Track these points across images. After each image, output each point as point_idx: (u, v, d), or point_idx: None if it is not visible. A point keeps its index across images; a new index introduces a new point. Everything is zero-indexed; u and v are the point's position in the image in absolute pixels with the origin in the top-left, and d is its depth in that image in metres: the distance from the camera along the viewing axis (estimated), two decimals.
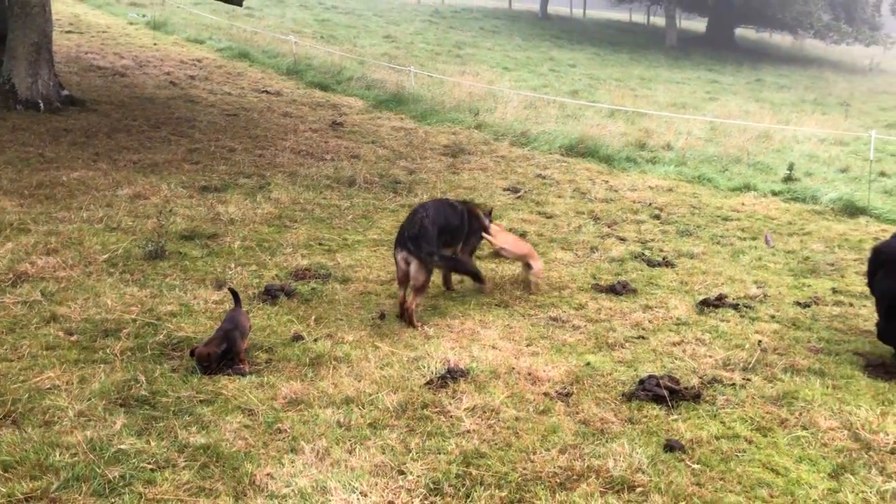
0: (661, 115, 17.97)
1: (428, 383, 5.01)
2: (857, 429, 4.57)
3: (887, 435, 4.51)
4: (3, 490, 3.70)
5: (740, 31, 48.56)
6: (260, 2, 33.60)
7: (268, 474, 3.96)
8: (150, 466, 3.99)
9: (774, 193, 11.77)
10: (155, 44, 21.34)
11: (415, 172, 11.65)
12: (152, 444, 4.20)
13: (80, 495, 3.72)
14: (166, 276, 6.79)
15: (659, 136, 15.71)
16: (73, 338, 5.47)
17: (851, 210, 10.73)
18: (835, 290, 7.54)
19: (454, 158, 12.90)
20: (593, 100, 20.60)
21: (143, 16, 25.04)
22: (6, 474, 3.83)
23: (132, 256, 7.10)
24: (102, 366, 5.05)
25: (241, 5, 14.48)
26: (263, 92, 17.08)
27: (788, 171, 12.73)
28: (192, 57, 20.06)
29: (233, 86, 17.34)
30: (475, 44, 31.49)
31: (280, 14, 31.50)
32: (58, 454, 4.02)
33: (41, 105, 12.25)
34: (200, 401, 4.71)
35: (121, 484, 3.84)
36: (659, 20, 48.59)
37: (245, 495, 3.81)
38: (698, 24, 51.92)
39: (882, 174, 13.67)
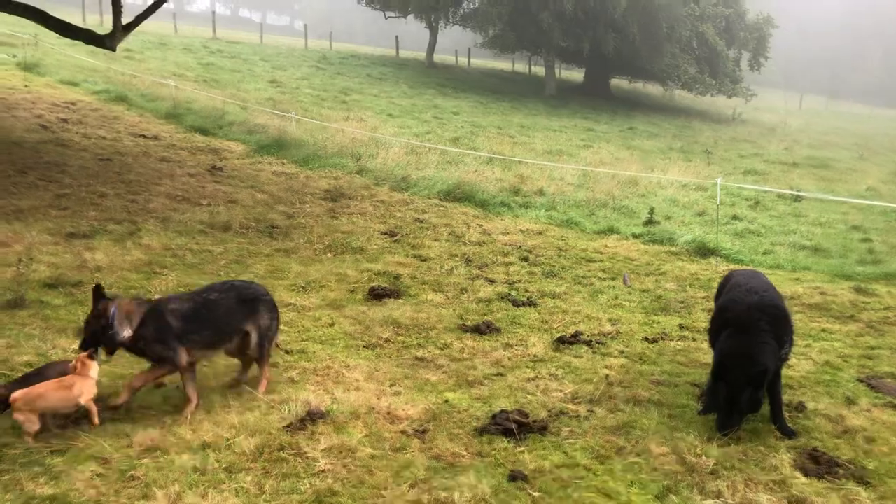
0: (536, 162, 18.77)
1: (287, 426, 5.13)
2: (684, 453, 4.99)
3: (709, 458, 4.95)
4: None
5: (616, 82, 51.24)
6: (141, 44, 32.99)
7: None
8: None
9: (635, 236, 12.51)
10: (26, 85, 20.61)
11: (293, 217, 11.75)
12: None
13: None
14: (25, 325, 6.64)
15: (533, 182, 16.42)
16: None
17: (704, 251, 11.56)
18: (681, 326, 8.13)
19: (334, 203, 13.08)
20: (473, 147, 21.27)
21: (14, 56, 24.13)
22: None
23: None
24: None
25: (114, 50, 14.28)
26: (140, 136, 16.80)
27: (649, 215, 13.57)
28: (66, 100, 19.50)
29: (108, 129, 16.96)
30: (361, 90, 31.93)
31: (162, 57, 31.01)
32: None
33: None
34: (52, 451, 4.65)
35: None
36: (540, 70, 50.66)
37: None
38: (577, 74, 54.44)
39: (734, 217, 14.76)
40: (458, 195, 14.53)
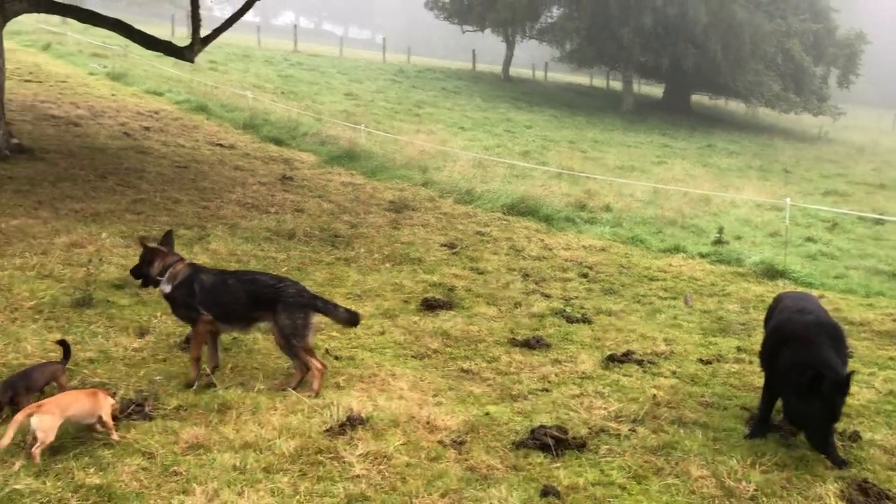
0: (605, 178, 18.60)
1: (327, 430, 5.23)
2: (724, 478, 4.87)
3: (750, 483, 4.82)
4: None
5: (697, 98, 50.30)
6: (225, 56, 34.18)
7: None
8: None
9: (702, 255, 12.25)
10: (113, 94, 21.63)
11: (356, 227, 11.96)
12: (48, 484, 4.35)
13: None
14: (91, 323, 6.96)
15: (600, 198, 16.27)
16: None
17: (771, 273, 11.23)
18: (739, 349, 7.92)
19: (398, 214, 13.25)
20: (543, 161, 21.23)
21: (104, 66, 25.38)
22: None
23: (59, 304, 7.26)
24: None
25: (192, 61, 14.87)
26: (217, 145, 17.40)
27: (718, 235, 13.27)
28: (150, 108, 20.37)
29: (187, 138, 17.63)
30: (435, 103, 32.27)
31: (244, 69, 32.06)
32: None
33: None
34: (103, 444, 4.87)
35: None
36: (618, 84, 50.16)
37: None
38: (657, 90, 53.67)
39: (809, 239, 14.29)
40: (521, 209, 14.51)
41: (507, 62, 48.46)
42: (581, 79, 56.17)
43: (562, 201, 15.41)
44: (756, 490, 4.75)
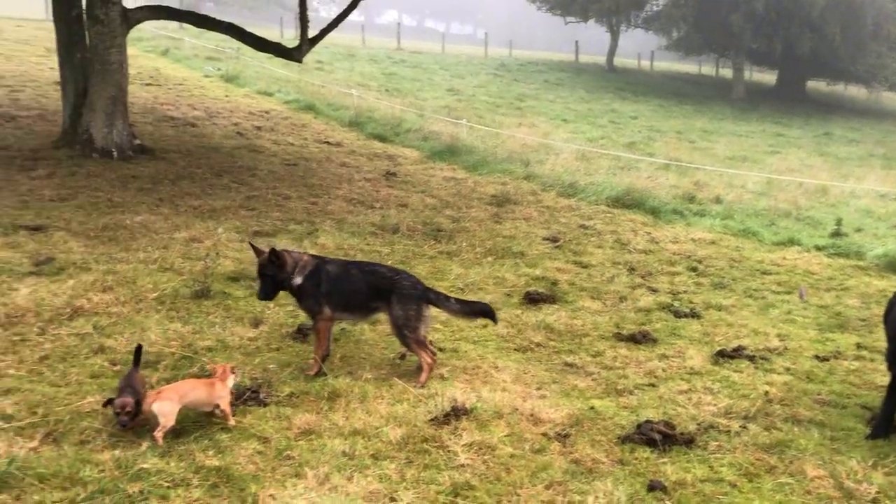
0: (716, 168, 18.02)
1: (432, 420, 5.32)
2: (843, 478, 4.66)
3: (871, 485, 4.59)
4: (36, 498, 4.16)
5: (813, 84, 47.95)
6: (331, 56, 35.06)
7: (270, 495, 4.33)
8: (166, 484, 4.40)
9: (819, 248, 11.71)
10: (227, 96, 22.58)
11: (458, 221, 12.06)
12: (171, 464, 4.62)
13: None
14: (209, 314, 7.31)
15: (710, 190, 15.79)
16: (116, 367, 5.99)
17: None
18: (859, 346, 7.54)
19: (499, 208, 13.27)
20: (650, 152, 20.78)
21: (218, 69, 26.52)
22: (41, 485, 4.30)
23: (180, 295, 7.66)
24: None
25: (300, 62, 15.35)
26: (325, 143, 17.89)
27: (836, 227, 12.64)
28: (261, 108, 21.15)
29: (296, 137, 18.21)
30: (537, 96, 32.08)
31: (349, 68, 32.80)
32: (88, 469, 4.47)
33: (114, 153, 13.21)
34: (221, 428, 5.12)
35: (139, 499, 4.26)
36: (728, 72, 48.41)
37: None
38: (769, 77, 51.49)
39: None
40: (627, 202, 14.25)
41: (612, 52, 47.61)
42: (689, 67, 54.54)
43: (669, 193, 15.05)
44: (878, 493, 4.52)
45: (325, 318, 6.25)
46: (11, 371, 5.74)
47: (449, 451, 4.91)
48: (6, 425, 4.94)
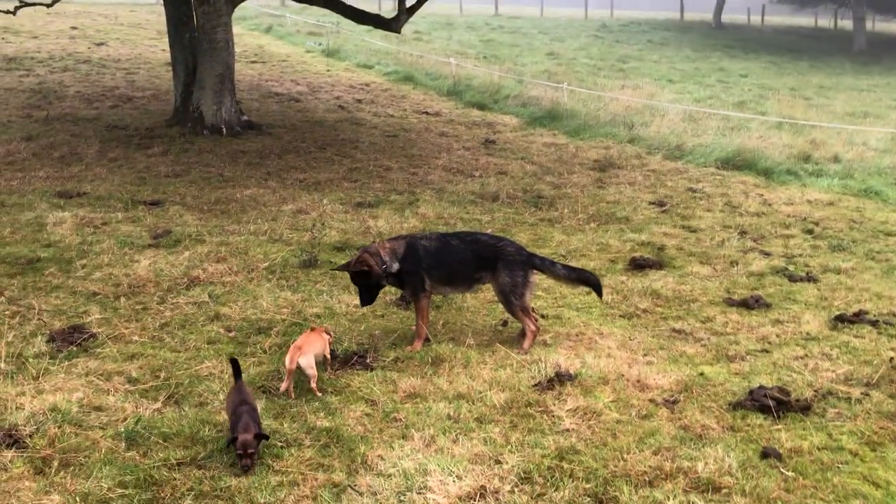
0: (833, 126, 17.03)
1: (536, 385, 5.31)
2: None
3: None
4: (161, 455, 4.41)
5: None
6: (429, 25, 35.07)
7: (379, 456, 4.44)
8: (280, 444, 4.58)
9: None
10: (328, 70, 22.99)
11: (560, 187, 11.90)
12: (285, 425, 4.80)
13: (220, 464, 4.36)
14: (317, 282, 7.53)
15: (827, 148, 14.93)
16: (231, 334, 6.26)
17: None
18: None
19: (602, 173, 13.00)
20: (761, 111, 19.83)
21: (320, 44, 27.00)
22: (165, 443, 4.56)
23: (289, 265, 7.91)
24: (253, 359, 5.78)
25: (398, 32, 15.42)
26: (423, 113, 17.97)
27: None
28: (361, 81, 21.43)
29: (396, 108, 18.37)
30: (640, 57, 31.13)
31: (447, 37, 32.73)
32: (207, 430, 4.71)
33: (224, 130, 13.71)
34: (330, 391, 5.28)
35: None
36: (848, 24, 45.48)
37: (357, 472, 4.29)
38: (893, 26, 48.07)
39: None
40: (737, 163, 13.69)
41: (719, 8, 45.57)
42: (804, 20, 51.54)
43: (783, 153, 14.32)
44: None
45: (427, 296, 6.15)
46: (135, 337, 6.10)
47: (553, 416, 4.89)
48: (132, 388, 5.25)
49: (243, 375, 4.97)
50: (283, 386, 5.21)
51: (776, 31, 45.83)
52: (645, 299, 7.33)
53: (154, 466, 4.28)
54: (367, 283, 6.06)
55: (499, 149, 14.69)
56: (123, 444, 4.49)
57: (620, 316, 6.93)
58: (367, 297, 6.14)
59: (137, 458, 4.38)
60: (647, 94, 20.60)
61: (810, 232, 9.84)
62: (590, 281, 6.44)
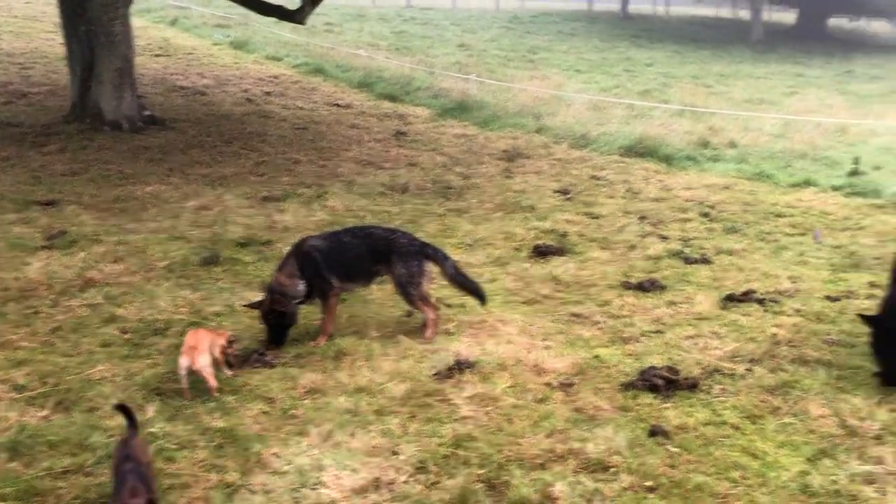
0: (731, 112, 17.69)
1: (436, 374, 5.36)
2: (846, 416, 4.64)
3: (875, 422, 4.57)
4: (46, 464, 4.27)
5: (834, 22, 46.63)
6: (340, 17, 34.69)
7: (274, 454, 4.41)
8: (173, 446, 4.49)
9: (835, 188, 11.50)
10: (236, 63, 22.48)
11: (468, 178, 12.00)
12: (178, 427, 4.71)
13: (109, 471, 4.24)
14: (218, 279, 7.39)
15: (724, 134, 15.50)
16: (127, 336, 6.10)
17: None
18: (872, 284, 7.42)
19: (510, 163, 13.17)
20: (664, 99, 20.40)
21: (227, 36, 26.36)
22: (51, 451, 4.41)
23: (189, 263, 7.73)
24: (147, 361, 5.64)
25: (303, 24, 15.21)
26: (334, 105, 17.80)
27: (854, 165, 12.39)
28: (270, 74, 21.04)
29: (306, 100, 18.12)
30: (550, 48, 31.57)
31: (359, 28, 32.43)
32: (96, 436, 4.58)
33: (124, 125, 13.26)
34: (228, 390, 5.20)
35: None
36: (746, 14, 47.19)
37: (251, 472, 4.26)
38: (789, 17, 50.17)
39: None
40: (640, 150, 14.07)
41: None
42: (706, 10, 53.23)
43: (683, 140, 14.80)
44: (882, 429, 4.50)
45: (335, 294, 6.14)
46: (24, 343, 5.87)
47: (451, 404, 4.96)
48: (19, 396, 5.06)
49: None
50: (183, 385, 5.07)
51: (680, 20, 47.21)
52: (546, 285, 7.49)
53: (37, 476, 4.14)
54: (280, 322, 5.93)
55: (410, 140, 14.70)
56: (5, 455, 4.32)
57: (522, 302, 7.06)
58: (279, 337, 5.96)
59: (20, 468, 4.23)
60: (555, 85, 20.93)
61: (706, 215, 10.21)
62: (473, 290, 6.45)
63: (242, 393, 5.17)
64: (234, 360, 5.54)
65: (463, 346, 5.85)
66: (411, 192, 11.00)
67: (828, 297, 7.05)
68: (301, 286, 6.02)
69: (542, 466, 4.21)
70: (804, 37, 40.94)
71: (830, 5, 42.15)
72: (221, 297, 6.94)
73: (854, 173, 12.16)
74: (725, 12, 52.28)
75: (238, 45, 24.97)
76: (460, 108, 17.63)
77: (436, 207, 10.32)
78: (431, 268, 6.32)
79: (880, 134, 16.26)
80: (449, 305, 6.88)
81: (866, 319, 5.12)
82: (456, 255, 8.31)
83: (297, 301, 6.00)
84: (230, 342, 5.50)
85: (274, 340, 5.91)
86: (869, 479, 4.00)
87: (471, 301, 6.99)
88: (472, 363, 5.51)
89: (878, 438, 4.42)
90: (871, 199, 10.90)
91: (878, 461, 4.15)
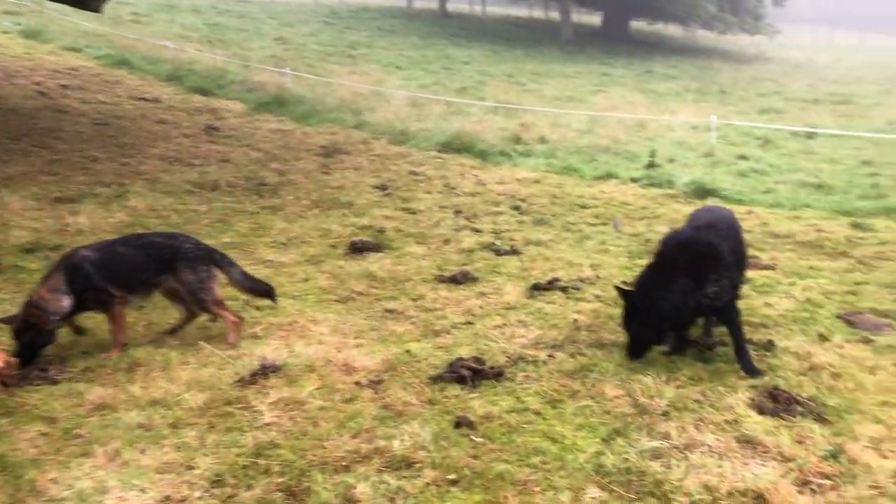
0: (542, 109, 18.43)
1: (238, 381, 5.10)
2: (638, 395, 4.89)
3: (662, 399, 4.84)
4: None
5: (636, 24, 49.95)
6: (148, 7, 32.85)
7: (51, 479, 3.99)
8: None
9: (634, 180, 12.25)
10: (28, 53, 20.65)
11: (284, 174, 11.68)
12: None
13: None
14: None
15: (536, 130, 16.11)
16: None
17: (702, 192, 11.28)
18: None
19: (328, 158, 12.97)
20: (481, 96, 20.93)
21: (17, 24, 24.16)
22: None
23: None
24: None
25: (99, 11, 14.19)
26: (140, 99, 16.78)
27: (650, 158, 13.27)
28: (68, 66, 19.51)
29: (108, 94, 16.95)
30: (370, 44, 31.54)
31: (169, 19, 30.85)
32: None
33: None
34: (0, 413, 4.68)
35: None
36: (557, 15, 49.51)
37: (23, 501, 3.83)
38: (595, 19, 53.19)
39: (741, 157, 14.36)
40: (456, 146, 14.32)
41: None
42: (520, 11, 55.38)
43: (497, 136, 15.23)
44: (669, 405, 4.77)
45: (119, 302, 5.66)
46: None
47: (254, 412, 4.73)
48: None
49: None
50: None
51: (496, 20, 48.76)
52: (361, 282, 7.39)
53: None
54: (34, 339, 5.35)
55: (222, 136, 14.12)
56: None
57: (336, 301, 6.92)
58: (30, 356, 5.34)
59: None
60: (374, 80, 20.91)
61: (517, 208, 10.53)
62: (264, 291, 6.24)
63: (18, 414, 4.67)
64: (11, 379, 5.01)
65: (270, 350, 5.62)
66: (222, 189, 10.54)
67: (624, 282, 7.41)
68: (66, 301, 5.46)
69: (346, 468, 4.09)
70: (609, 38, 43.55)
71: (631, 9, 45.06)
72: (1, 308, 6.27)
73: (651, 166, 13.01)
74: (538, 13, 54.64)
75: (30, 35, 22.96)
76: (277, 103, 17.20)
77: (248, 205, 9.95)
78: (219, 273, 6.01)
79: (674, 129, 17.54)
80: (258, 308, 6.61)
81: (621, 292, 5.43)
82: (269, 255, 8.10)
83: (56, 317, 5.42)
84: (7, 363, 4.97)
85: (23, 358, 5.28)
86: (656, 455, 4.20)
87: (283, 302, 6.77)
88: (278, 367, 5.30)
89: (666, 415, 4.67)
90: (666, 190, 11.69)
91: (665, 436, 4.39)
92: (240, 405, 4.81)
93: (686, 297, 5.22)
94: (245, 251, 8.15)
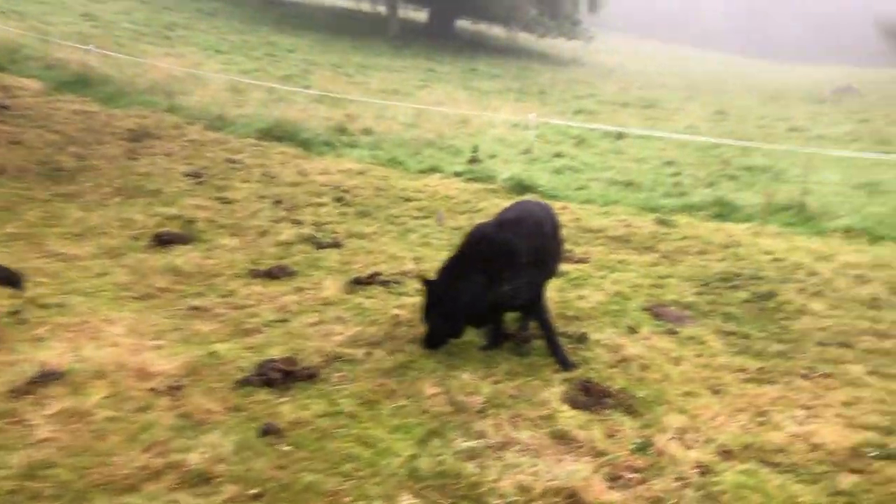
0: (368, 101, 18.20)
1: (11, 391, 4.48)
2: (455, 393, 4.78)
3: (479, 395, 4.77)
4: None
5: (461, 23, 50.86)
6: None
7: None
8: None
9: (457, 174, 12.31)
10: None
11: (84, 159, 10.68)
12: None
13: None
14: None
15: (361, 121, 15.86)
16: None
17: (520, 188, 11.51)
18: None
19: (136, 143, 12.03)
20: (306, 84, 20.36)
21: None
22: None
23: None
24: None
25: None
26: None
27: (473, 153, 13.41)
28: None
29: None
30: (189, 25, 29.91)
31: None
32: None
33: None
34: None
35: None
36: (384, 10, 49.39)
37: None
38: (422, 15, 53.64)
39: (557, 155, 14.87)
40: (278, 134, 13.78)
41: None
42: (347, 3, 54.75)
43: (322, 125, 14.84)
44: (485, 402, 4.71)
45: None
46: None
47: (28, 426, 4.15)
48: None
49: None
50: None
51: (323, 10, 47.96)
52: (165, 277, 6.82)
53: None
54: None
55: (14, 115, 12.72)
56: None
57: (135, 298, 6.32)
58: None
59: None
60: (191, 63, 19.77)
61: (340, 200, 10.24)
62: (5, 279, 5.69)
63: None
64: None
65: (53, 354, 5.00)
66: (9, 174, 9.45)
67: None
68: None
69: (133, 488, 3.66)
70: (435, 35, 44.06)
71: (456, 8, 45.82)
72: None
73: (473, 161, 13.15)
74: (366, 6, 54.22)
75: None
76: (81, 82, 15.81)
77: (40, 192, 8.98)
78: None
79: (496, 126, 17.91)
80: (44, 306, 5.90)
81: (425, 282, 5.36)
82: (60, 248, 7.31)
83: None
84: None
85: None
86: (471, 455, 4.10)
87: (71, 300, 6.10)
88: (61, 373, 4.71)
89: (482, 412, 4.60)
90: (487, 185, 11.83)
91: (481, 435, 4.30)
92: (10, 419, 4.20)
93: (479, 293, 5.18)
94: (33, 243, 7.32)
